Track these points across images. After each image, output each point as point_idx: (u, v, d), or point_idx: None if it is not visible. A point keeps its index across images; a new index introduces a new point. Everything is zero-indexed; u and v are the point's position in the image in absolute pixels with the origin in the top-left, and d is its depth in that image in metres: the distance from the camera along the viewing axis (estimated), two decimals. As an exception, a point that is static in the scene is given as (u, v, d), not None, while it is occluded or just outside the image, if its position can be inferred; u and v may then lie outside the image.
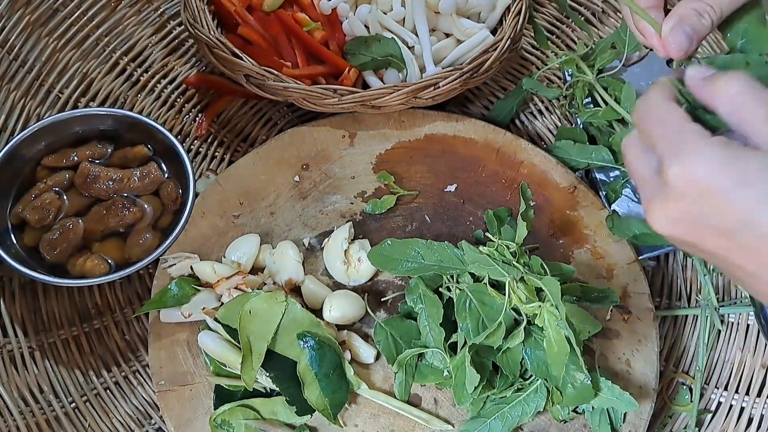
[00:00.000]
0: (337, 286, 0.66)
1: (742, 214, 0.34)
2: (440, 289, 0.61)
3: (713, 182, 0.35)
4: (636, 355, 0.63)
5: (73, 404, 0.64)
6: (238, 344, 0.59)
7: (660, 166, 0.37)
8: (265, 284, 0.63)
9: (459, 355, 0.58)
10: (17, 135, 0.63)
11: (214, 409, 0.60)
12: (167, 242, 0.62)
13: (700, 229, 0.37)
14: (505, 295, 0.56)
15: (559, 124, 0.80)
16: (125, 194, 0.65)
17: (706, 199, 0.35)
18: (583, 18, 0.83)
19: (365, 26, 0.73)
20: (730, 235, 0.35)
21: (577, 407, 0.59)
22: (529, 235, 0.61)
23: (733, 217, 0.35)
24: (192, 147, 0.77)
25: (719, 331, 0.69)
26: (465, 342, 0.58)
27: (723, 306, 0.70)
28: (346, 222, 0.67)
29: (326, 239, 0.66)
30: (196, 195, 0.65)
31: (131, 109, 0.76)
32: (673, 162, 0.36)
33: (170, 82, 0.79)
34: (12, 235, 0.63)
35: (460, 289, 0.59)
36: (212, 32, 0.68)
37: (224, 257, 0.66)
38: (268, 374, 0.59)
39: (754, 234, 0.34)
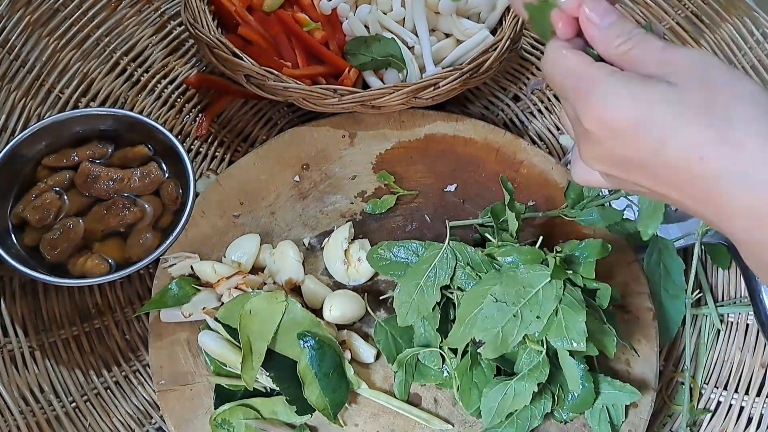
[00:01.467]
0: (337, 285, 0.66)
1: (652, 144, 0.35)
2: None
3: (622, 121, 0.36)
4: (636, 355, 0.63)
5: (74, 404, 0.64)
6: (238, 344, 0.59)
7: (576, 114, 0.38)
8: (265, 284, 0.63)
9: (464, 359, 0.58)
10: (18, 135, 0.63)
11: (215, 409, 0.60)
12: (167, 242, 0.62)
13: (623, 166, 0.38)
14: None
15: (560, 125, 0.80)
16: (125, 194, 0.65)
17: (621, 138, 0.36)
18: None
19: (365, 26, 0.73)
20: (647, 168, 0.36)
21: (577, 407, 0.60)
22: (529, 235, 0.61)
23: (645, 150, 0.36)
24: (192, 147, 0.78)
25: (719, 330, 0.69)
26: (470, 345, 0.58)
27: (723, 306, 0.70)
28: (346, 222, 0.68)
29: (326, 239, 0.67)
30: (196, 195, 0.65)
31: (131, 109, 0.76)
32: (584, 109, 0.37)
33: (170, 82, 0.79)
34: (12, 235, 0.63)
35: (461, 289, 0.59)
36: (212, 32, 0.68)
37: (224, 257, 0.66)
38: (268, 374, 0.59)
39: (664, 163, 0.35)
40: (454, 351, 0.59)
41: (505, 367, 0.58)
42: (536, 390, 0.55)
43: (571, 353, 0.56)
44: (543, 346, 0.56)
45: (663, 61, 0.36)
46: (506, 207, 0.61)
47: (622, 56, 0.37)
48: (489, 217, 0.64)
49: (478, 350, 0.56)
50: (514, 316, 0.53)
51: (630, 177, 0.38)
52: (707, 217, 0.37)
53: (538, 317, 0.53)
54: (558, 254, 0.56)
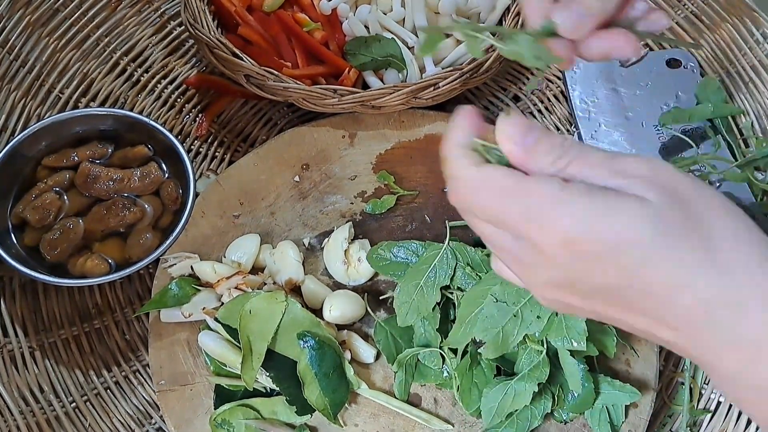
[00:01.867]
0: (337, 285, 0.66)
1: (628, 270, 0.31)
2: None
3: (594, 243, 0.31)
4: (636, 355, 0.63)
5: (74, 404, 0.64)
6: (238, 344, 0.59)
7: (518, 237, 0.33)
8: (265, 284, 0.63)
9: (464, 359, 0.58)
10: (17, 135, 0.63)
11: (215, 409, 0.60)
12: (167, 242, 0.62)
13: (584, 293, 0.33)
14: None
15: (560, 125, 0.80)
16: (125, 194, 0.65)
17: (589, 262, 0.31)
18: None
19: (365, 26, 0.73)
20: (616, 295, 0.32)
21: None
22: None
23: (620, 276, 0.31)
24: (192, 147, 0.78)
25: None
26: (470, 345, 0.58)
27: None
28: (346, 222, 0.68)
29: (326, 239, 0.67)
30: (196, 195, 0.65)
31: (131, 109, 0.76)
32: (542, 232, 0.32)
33: (170, 82, 0.79)
34: (12, 235, 0.63)
35: (461, 289, 0.59)
36: (212, 32, 0.68)
37: (224, 257, 0.66)
38: (268, 374, 0.59)
39: (640, 291, 0.31)
40: (454, 351, 0.59)
41: (505, 368, 0.59)
42: (536, 390, 0.55)
43: (572, 353, 0.56)
44: (543, 345, 0.56)
45: (616, 172, 0.32)
46: None
47: (562, 173, 0.33)
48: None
49: (479, 350, 0.56)
50: (515, 315, 0.53)
51: (590, 305, 0.34)
52: (687, 349, 0.33)
53: (538, 317, 0.53)
54: None
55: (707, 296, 0.30)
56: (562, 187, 0.31)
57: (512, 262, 0.36)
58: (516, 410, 0.56)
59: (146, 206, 0.65)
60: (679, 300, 0.31)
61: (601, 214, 0.31)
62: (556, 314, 0.54)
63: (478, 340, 0.56)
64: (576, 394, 0.58)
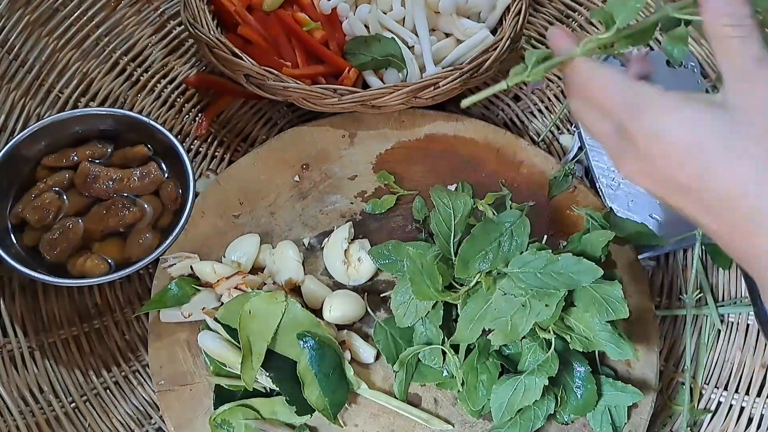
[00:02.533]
0: (337, 285, 0.65)
1: (698, 170, 0.35)
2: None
3: (676, 141, 0.36)
4: (636, 355, 0.63)
5: (73, 404, 0.64)
6: (238, 344, 0.59)
7: (620, 128, 0.38)
8: (265, 284, 0.63)
9: (470, 356, 0.58)
10: (17, 135, 0.63)
11: (214, 409, 0.60)
12: (167, 242, 0.62)
13: (665, 184, 0.38)
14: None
15: (560, 124, 0.80)
16: (125, 194, 0.65)
17: (668, 157, 0.36)
18: (583, 18, 0.83)
19: (365, 26, 0.73)
20: (691, 192, 0.36)
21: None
22: (530, 236, 0.61)
23: (692, 176, 0.36)
24: (192, 147, 0.77)
25: (719, 330, 0.69)
26: (474, 343, 0.58)
27: (723, 306, 0.70)
28: (346, 222, 0.67)
29: (326, 239, 0.66)
30: (196, 195, 0.65)
31: (131, 109, 0.76)
32: (637, 124, 0.37)
33: (170, 82, 0.79)
34: (12, 235, 0.63)
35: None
36: (212, 32, 0.68)
37: (224, 257, 0.66)
38: (268, 374, 0.59)
39: (708, 189, 0.35)
40: (456, 349, 0.59)
41: (509, 367, 0.58)
42: (546, 383, 0.55)
43: (575, 354, 0.56)
44: (552, 333, 0.56)
45: (746, 74, 0.36)
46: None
47: (720, 38, 0.37)
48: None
49: (488, 336, 0.56)
50: (523, 306, 0.54)
51: (667, 195, 0.38)
52: (739, 252, 0.37)
53: (546, 306, 0.53)
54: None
55: (757, 205, 0.34)
56: (661, 91, 0.37)
57: (609, 148, 0.41)
58: (526, 406, 0.56)
59: (146, 206, 0.65)
60: (736, 205, 0.34)
61: (688, 119, 0.35)
62: (591, 290, 0.54)
63: (486, 329, 0.56)
64: (579, 396, 0.58)
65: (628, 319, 0.64)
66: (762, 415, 0.65)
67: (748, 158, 0.34)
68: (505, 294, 0.55)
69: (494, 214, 0.58)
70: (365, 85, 0.72)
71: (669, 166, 0.36)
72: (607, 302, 0.54)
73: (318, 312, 0.62)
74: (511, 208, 0.61)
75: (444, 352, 0.59)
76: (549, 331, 0.56)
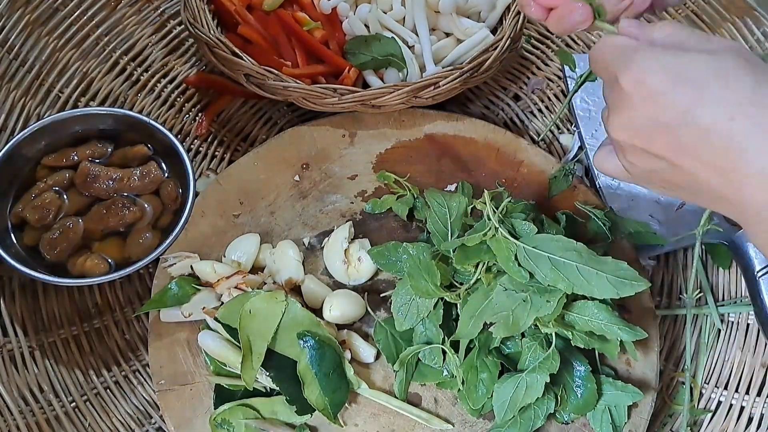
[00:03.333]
0: (337, 285, 0.65)
1: (682, 108, 0.36)
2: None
3: (655, 84, 0.37)
4: (636, 355, 0.63)
5: (73, 404, 0.64)
6: (238, 344, 0.59)
7: (616, 78, 0.40)
8: (265, 284, 0.63)
9: (470, 355, 0.58)
10: (17, 134, 0.63)
11: (214, 409, 0.60)
12: (167, 242, 0.62)
13: (647, 130, 0.39)
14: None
15: (560, 124, 0.80)
16: (125, 194, 0.65)
17: (651, 101, 0.37)
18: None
19: (365, 25, 0.73)
20: (673, 132, 0.37)
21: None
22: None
23: (675, 114, 0.37)
24: (192, 146, 0.77)
25: (719, 330, 0.69)
26: (474, 342, 0.58)
27: (723, 305, 0.70)
28: (346, 221, 0.67)
29: (326, 239, 0.66)
30: (196, 194, 0.65)
31: (131, 109, 0.76)
32: (624, 71, 0.39)
33: (170, 82, 0.79)
34: (12, 235, 0.63)
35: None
36: (212, 32, 0.68)
37: (224, 257, 0.66)
38: (268, 374, 0.59)
39: (692, 130, 0.36)
40: (456, 349, 0.59)
41: (509, 366, 0.58)
42: (548, 381, 0.55)
43: (575, 353, 0.55)
44: (553, 328, 0.56)
45: (704, 40, 0.39)
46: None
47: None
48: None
49: (490, 329, 0.56)
50: (524, 300, 0.54)
51: (651, 147, 0.39)
52: (719, 189, 0.37)
53: (548, 301, 0.54)
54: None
55: (745, 129, 0.35)
56: (650, 43, 0.40)
57: (608, 105, 0.42)
58: (528, 404, 0.56)
59: (146, 206, 0.65)
60: (721, 132, 0.36)
61: (671, 59, 0.37)
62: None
63: (488, 323, 0.56)
64: (579, 395, 0.58)
65: (629, 319, 0.64)
66: (762, 415, 0.65)
67: (734, 86, 0.36)
68: (506, 290, 0.55)
69: (494, 212, 0.58)
70: (365, 85, 0.72)
71: (652, 108, 0.38)
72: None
73: (318, 311, 0.62)
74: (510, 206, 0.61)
75: (444, 352, 0.59)
76: (550, 326, 0.56)
